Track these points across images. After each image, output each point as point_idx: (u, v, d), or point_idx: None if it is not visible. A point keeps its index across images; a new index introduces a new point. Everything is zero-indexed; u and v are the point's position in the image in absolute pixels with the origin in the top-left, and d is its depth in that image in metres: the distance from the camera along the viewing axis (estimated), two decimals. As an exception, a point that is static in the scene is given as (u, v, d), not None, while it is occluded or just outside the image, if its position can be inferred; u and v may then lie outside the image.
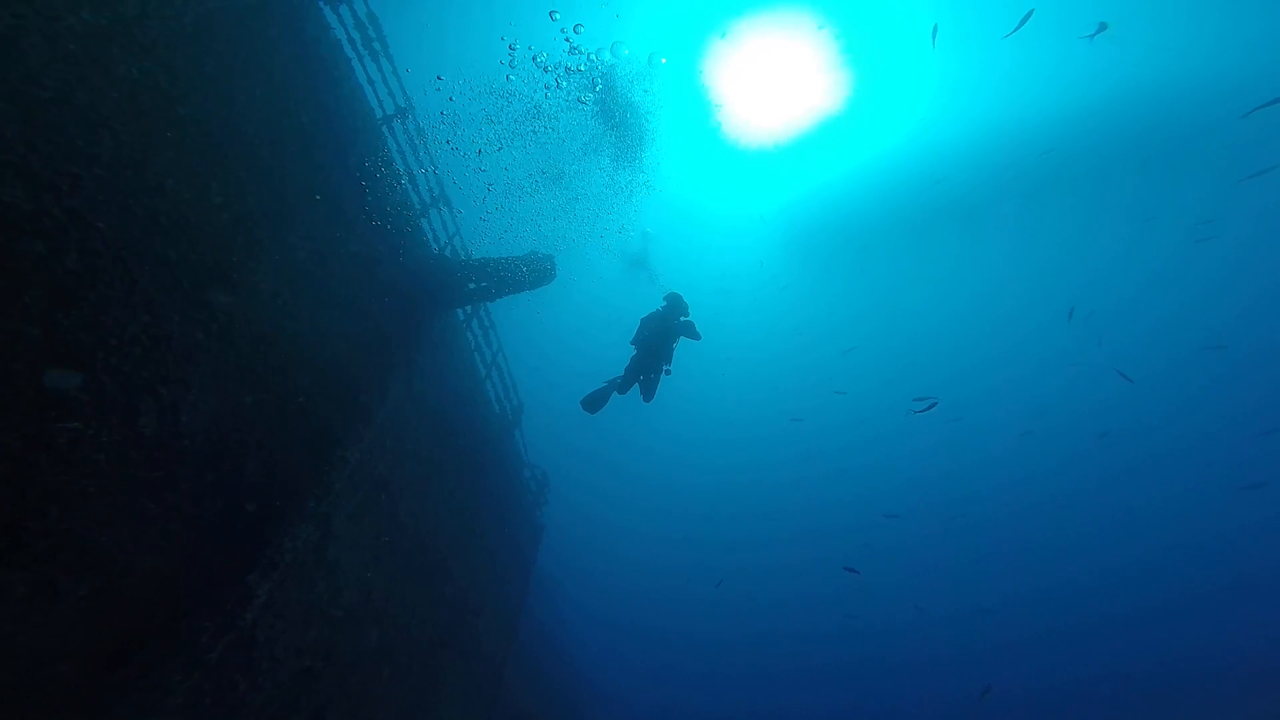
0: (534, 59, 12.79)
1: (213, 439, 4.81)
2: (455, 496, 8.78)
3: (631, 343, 9.31)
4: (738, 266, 53.74)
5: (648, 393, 9.43)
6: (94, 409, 3.70)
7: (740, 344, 61.43)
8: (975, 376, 55.17)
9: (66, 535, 3.97)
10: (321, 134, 5.49)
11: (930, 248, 48.11)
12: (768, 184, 45.02)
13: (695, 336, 9.16)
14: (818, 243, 49.15)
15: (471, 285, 7.80)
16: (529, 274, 8.05)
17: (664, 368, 9.27)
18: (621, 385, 9.33)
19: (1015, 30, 24.37)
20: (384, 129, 6.78)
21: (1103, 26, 25.34)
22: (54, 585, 4.02)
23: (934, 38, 28.24)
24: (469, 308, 9.25)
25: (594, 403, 9.39)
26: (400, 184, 7.06)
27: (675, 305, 9.21)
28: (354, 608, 6.87)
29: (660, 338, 9.09)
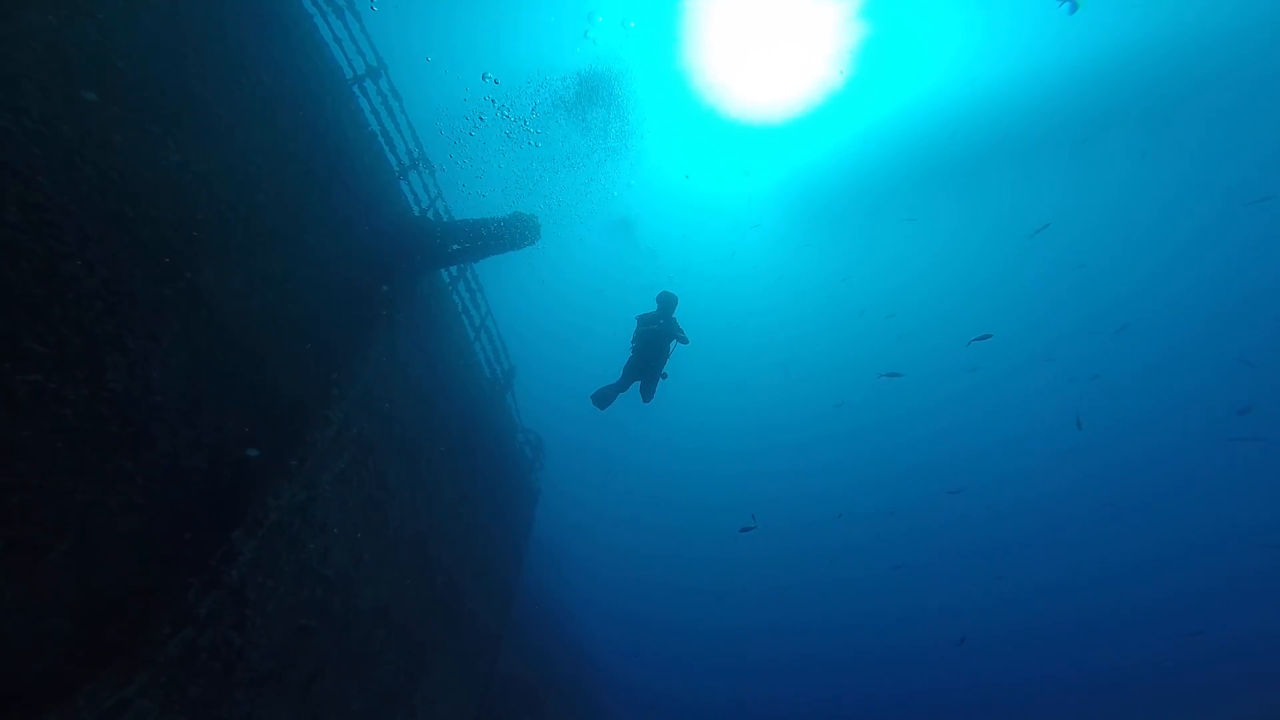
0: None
1: (188, 395, 4.85)
2: (447, 460, 8.84)
3: (630, 342, 9.33)
4: (734, 239, 53.76)
5: (647, 393, 9.50)
6: (54, 361, 3.73)
7: (743, 318, 61.45)
8: (1004, 335, 54.35)
9: (39, 491, 4.02)
10: (284, 93, 5.44)
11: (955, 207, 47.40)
12: (766, 157, 44.96)
13: (683, 340, 9.15)
14: (822, 208, 48.78)
15: (455, 246, 7.76)
16: (512, 234, 8.00)
17: (661, 372, 9.32)
18: (621, 385, 9.37)
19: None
20: (355, 89, 6.72)
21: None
22: (32, 540, 4.08)
23: None
24: (455, 271, 9.25)
25: (603, 399, 9.47)
26: (375, 145, 7.01)
27: (666, 304, 9.20)
28: (345, 568, 6.97)
29: (655, 338, 9.12)
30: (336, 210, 6.31)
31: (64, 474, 4.10)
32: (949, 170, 43.66)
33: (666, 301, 9.16)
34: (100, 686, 4.39)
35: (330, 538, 6.67)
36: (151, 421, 4.57)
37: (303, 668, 6.72)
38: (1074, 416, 49.73)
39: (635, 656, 43.83)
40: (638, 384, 9.48)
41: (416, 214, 8.00)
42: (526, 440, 12.46)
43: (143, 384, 4.42)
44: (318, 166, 6.00)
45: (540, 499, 12.89)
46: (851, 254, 54.10)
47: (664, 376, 9.36)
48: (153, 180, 4.20)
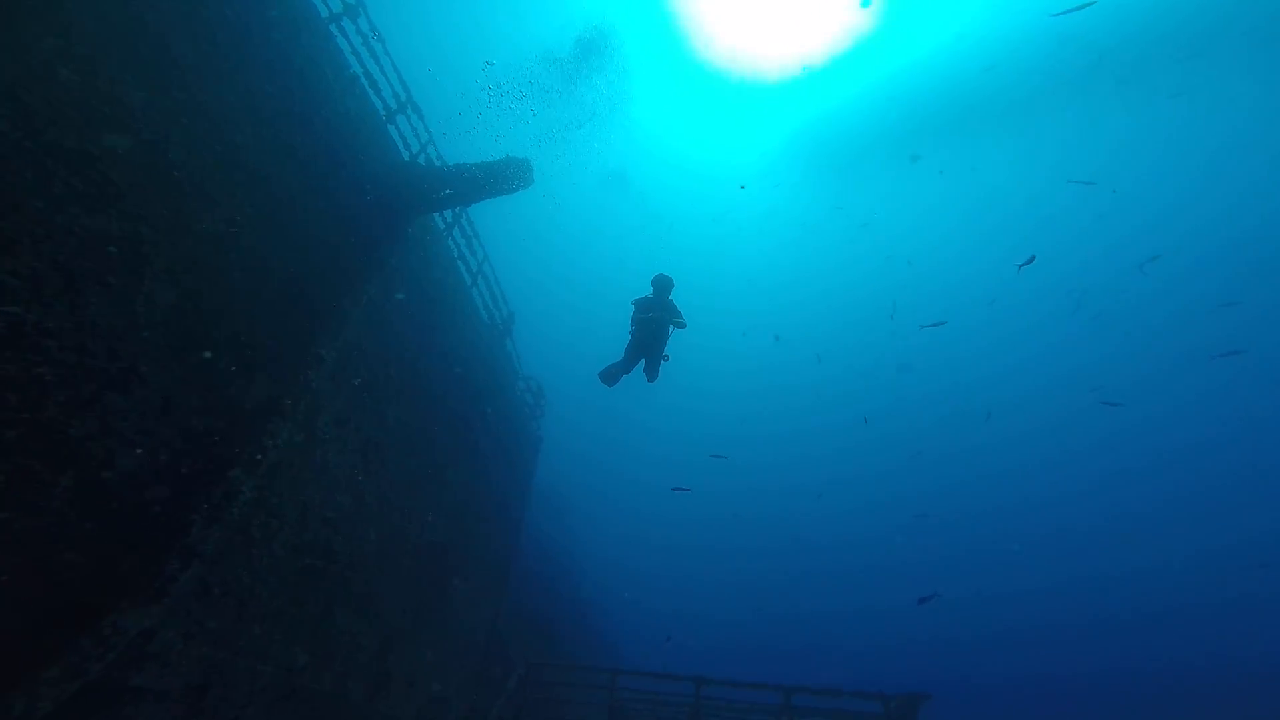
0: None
1: (176, 332, 4.93)
2: (445, 403, 8.97)
3: (629, 326, 9.38)
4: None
5: (650, 373, 9.59)
6: (31, 294, 3.80)
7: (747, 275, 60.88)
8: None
9: (33, 424, 4.13)
10: (251, 28, 5.37)
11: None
12: (773, 112, 44.30)
13: (680, 324, 9.16)
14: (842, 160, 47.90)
15: (447, 191, 7.74)
16: (504, 178, 7.94)
17: (663, 353, 9.39)
18: (625, 365, 9.47)
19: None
20: (332, 28, 6.62)
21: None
22: (34, 474, 4.21)
23: None
24: (450, 217, 9.25)
25: (609, 377, 9.59)
26: (358, 88, 6.95)
27: (663, 288, 9.22)
28: (348, 510, 7.15)
29: (653, 325, 9.17)
30: (320, 152, 6.29)
31: (56, 407, 4.20)
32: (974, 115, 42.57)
33: (662, 285, 9.20)
34: (122, 616, 4.58)
35: (331, 479, 6.84)
36: (140, 357, 4.65)
37: (313, 605, 6.96)
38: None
39: (641, 606, 44.62)
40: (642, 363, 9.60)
41: (406, 158, 7.97)
42: (527, 387, 12.62)
43: (128, 319, 4.50)
44: (296, 107, 5.96)
45: (542, 446, 13.13)
46: (868, 202, 53.24)
47: (665, 358, 9.44)
48: (113, 117, 4.19)
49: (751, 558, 62.21)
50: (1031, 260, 22.05)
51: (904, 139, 45.40)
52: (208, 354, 5.24)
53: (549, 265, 61.39)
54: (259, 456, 5.72)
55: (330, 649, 7.26)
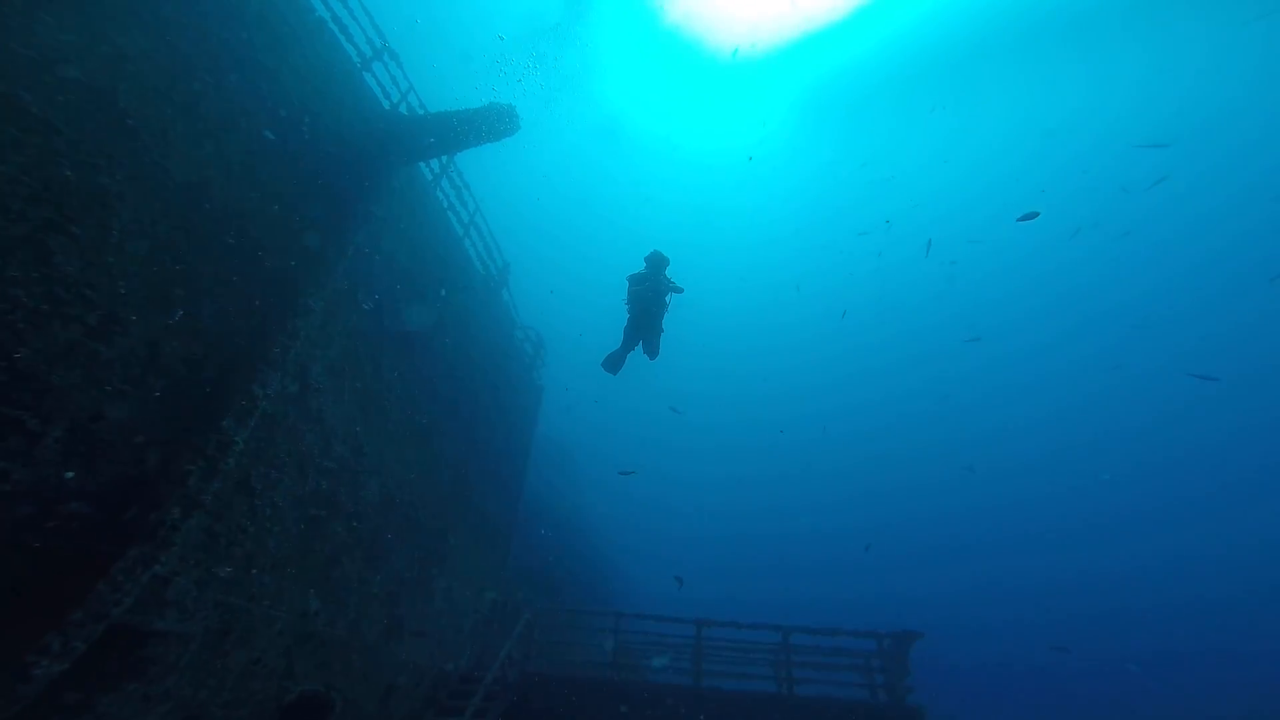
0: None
1: (155, 284, 4.95)
2: (443, 353, 9.02)
3: (624, 305, 9.40)
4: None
5: (650, 351, 9.60)
6: (-12, 242, 3.81)
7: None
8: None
9: (14, 373, 4.19)
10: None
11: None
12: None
13: (678, 290, 9.21)
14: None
15: (430, 139, 7.63)
16: (488, 125, 7.82)
17: (660, 328, 9.39)
18: (625, 347, 9.52)
19: None
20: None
21: None
22: (23, 424, 4.28)
23: None
24: (437, 167, 9.16)
25: (612, 364, 9.61)
26: (326, 33, 6.80)
27: (656, 264, 9.23)
28: (347, 460, 7.25)
29: (649, 299, 9.15)
30: (291, 100, 6.21)
31: (35, 356, 4.25)
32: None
33: (656, 261, 9.20)
34: (131, 563, 4.71)
35: (328, 429, 6.92)
36: (119, 307, 4.68)
37: (321, 554, 7.11)
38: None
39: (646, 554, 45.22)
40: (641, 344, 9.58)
41: (386, 107, 7.85)
42: (526, 337, 12.65)
43: (101, 270, 4.52)
44: (264, 57, 5.86)
45: (544, 397, 13.20)
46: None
47: (661, 331, 9.46)
48: (47, 63, 4.12)
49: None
50: (1035, 215, 21.16)
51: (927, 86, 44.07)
52: (189, 304, 5.27)
53: (550, 218, 61.55)
54: (250, 406, 5.79)
55: (341, 596, 7.44)
